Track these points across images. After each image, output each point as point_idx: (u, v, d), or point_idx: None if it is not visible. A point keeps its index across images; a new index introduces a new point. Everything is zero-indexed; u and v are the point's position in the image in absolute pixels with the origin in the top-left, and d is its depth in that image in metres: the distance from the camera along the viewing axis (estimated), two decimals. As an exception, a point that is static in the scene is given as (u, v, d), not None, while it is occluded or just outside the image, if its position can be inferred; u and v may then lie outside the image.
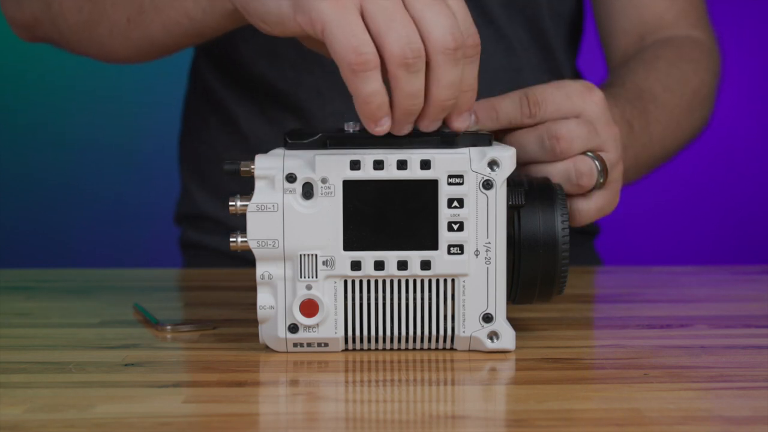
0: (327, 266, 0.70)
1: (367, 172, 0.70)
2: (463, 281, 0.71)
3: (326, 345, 0.72)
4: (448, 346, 0.73)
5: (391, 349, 0.73)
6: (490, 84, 1.04)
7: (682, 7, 1.09)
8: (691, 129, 1.05)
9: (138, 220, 2.02)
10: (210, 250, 1.12)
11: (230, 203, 0.71)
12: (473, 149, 0.71)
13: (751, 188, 2.06)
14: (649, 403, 0.62)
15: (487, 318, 0.71)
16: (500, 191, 0.70)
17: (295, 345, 0.72)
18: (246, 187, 0.72)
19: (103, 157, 2.02)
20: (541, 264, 0.72)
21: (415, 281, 0.71)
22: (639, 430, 0.58)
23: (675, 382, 0.67)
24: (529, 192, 0.73)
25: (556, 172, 0.75)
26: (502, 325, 0.72)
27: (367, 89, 0.67)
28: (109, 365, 0.70)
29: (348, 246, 0.70)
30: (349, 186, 0.70)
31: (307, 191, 0.70)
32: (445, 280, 0.71)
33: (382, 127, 0.69)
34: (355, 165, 0.70)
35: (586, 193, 0.76)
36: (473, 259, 0.71)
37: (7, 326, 0.82)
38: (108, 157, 2.02)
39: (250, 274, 0.75)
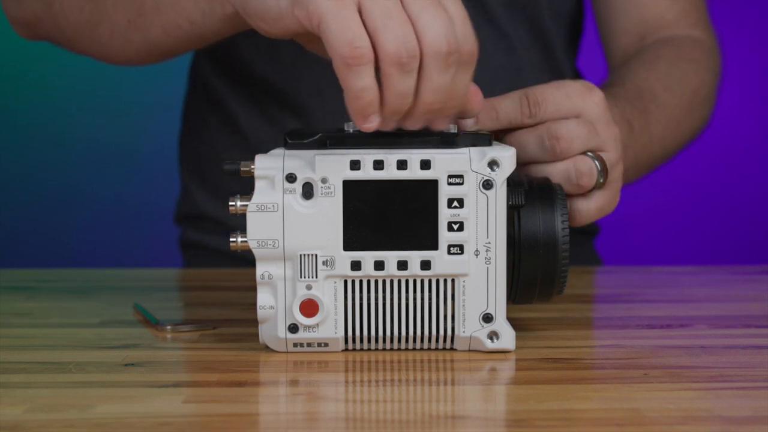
0: (327, 266, 0.70)
1: (367, 172, 0.70)
2: (463, 281, 0.71)
3: (326, 345, 0.72)
4: (448, 346, 0.73)
5: (391, 349, 0.73)
6: (491, 83, 1.03)
7: (683, 7, 1.09)
8: (692, 129, 1.05)
9: (138, 220, 2.02)
10: (210, 250, 1.12)
11: (230, 203, 0.71)
12: (473, 149, 0.71)
13: (751, 188, 2.06)
14: (649, 403, 0.62)
15: (487, 318, 0.71)
16: (500, 191, 0.70)
17: (295, 345, 0.72)
18: (246, 187, 0.72)
19: (103, 157, 2.02)
20: (541, 264, 0.72)
21: (415, 281, 0.71)
22: (639, 430, 0.58)
23: (675, 382, 0.67)
24: (529, 192, 0.73)
25: (556, 172, 0.75)
26: (502, 325, 0.72)
27: (359, 84, 0.67)
28: (109, 365, 0.70)
29: (348, 246, 0.70)
30: (349, 186, 0.70)
31: (307, 191, 0.70)
32: (445, 280, 0.71)
33: (371, 124, 0.68)
34: (355, 165, 0.70)
35: (586, 193, 0.76)
36: (473, 259, 0.71)
37: (7, 326, 0.82)
38: (108, 157, 2.02)
39: (250, 274, 0.75)
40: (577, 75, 1.16)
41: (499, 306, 0.71)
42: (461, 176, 0.70)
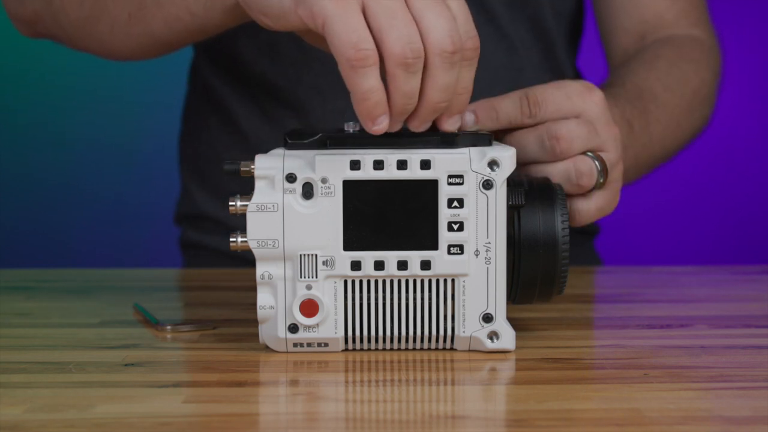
0: (327, 266, 0.70)
1: (367, 172, 0.70)
2: (463, 281, 0.71)
3: (326, 345, 0.72)
4: (448, 346, 0.73)
5: (391, 349, 0.73)
6: (491, 83, 1.04)
7: (683, 6, 1.09)
8: (692, 129, 1.05)
9: (138, 220, 2.02)
10: (210, 250, 1.12)
11: (230, 203, 0.70)
12: (473, 149, 0.71)
13: (751, 188, 2.06)
14: (649, 403, 0.62)
15: (487, 318, 0.71)
16: (500, 191, 0.70)
17: (295, 345, 0.72)
18: (246, 187, 0.72)
19: (103, 157, 2.02)
20: (541, 264, 0.72)
21: (415, 281, 0.71)
22: (639, 430, 0.58)
23: (675, 382, 0.67)
24: (529, 192, 0.73)
25: (556, 172, 0.75)
26: (502, 325, 0.72)
27: (365, 86, 0.67)
28: (109, 365, 0.70)
29: (348, 246, 0.70)
30: (349, 186, 0.70)
31: (307, 191, 0.70)
32: (445, 280, 0.71)
33: (380, 126, 0.68)
34: (355, 165, 0.70)
35: (586, 193, 0.76)
36: (473, 259, 0.71)
37: (7, 326, 0.82)
38: (108, 157, 2.02)
39: (250, 274, 0.75)
40: (577, 75, 1.16)
41: (499, 306, 0.71)
42: (461, 176, 0.70)
